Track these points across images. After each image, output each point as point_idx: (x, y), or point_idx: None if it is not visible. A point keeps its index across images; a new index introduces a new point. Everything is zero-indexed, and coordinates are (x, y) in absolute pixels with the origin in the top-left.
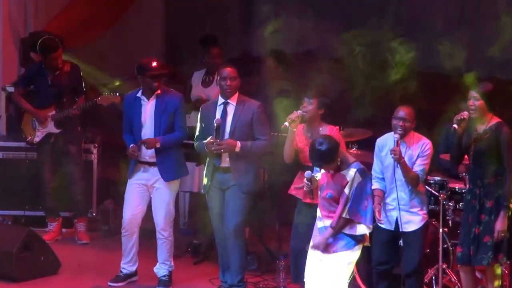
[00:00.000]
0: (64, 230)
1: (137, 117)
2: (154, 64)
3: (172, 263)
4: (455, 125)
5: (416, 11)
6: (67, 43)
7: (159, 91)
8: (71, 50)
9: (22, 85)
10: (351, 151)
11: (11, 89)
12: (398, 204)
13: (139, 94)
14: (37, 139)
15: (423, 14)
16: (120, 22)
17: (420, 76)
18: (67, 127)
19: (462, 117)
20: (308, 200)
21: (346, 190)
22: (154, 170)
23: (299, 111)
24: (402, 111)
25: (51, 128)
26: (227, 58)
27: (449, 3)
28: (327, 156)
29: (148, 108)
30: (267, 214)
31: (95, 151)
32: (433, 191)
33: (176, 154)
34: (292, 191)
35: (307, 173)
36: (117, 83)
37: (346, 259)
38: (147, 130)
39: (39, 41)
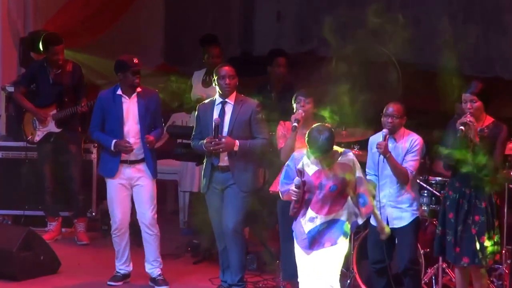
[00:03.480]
0: (63, 229)
1: (118, 114)
2: (135, 60)
3: (161, 259)
4: (462, 127)
5: None
6: (66, 43)
7: (139, 89)
8: (71, 49)
9: (24, 84)
10: (353, 151)
11: (10, 88)
12: (388, 201)
13: (119, 92)
14: (37, 138)
15: None
16: (120, 21)
17: (424, 75)
18: (67, 127)
19: (467, 120)
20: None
21: (358, 173)
22: (138, 167)
23: (300, 111)
24: (390, 108)
25: (52, 127)
26: (227, 57)
27: None
28: (328, 143)
29: (130, 106)
30: (267, 214)
31: (94, 151)
32: (434, 191)
33: (155, 150)
34: (274, 188)
35: (297, 180)
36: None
37: (343, 250)
38: (131, 128)
39: (43, 34)
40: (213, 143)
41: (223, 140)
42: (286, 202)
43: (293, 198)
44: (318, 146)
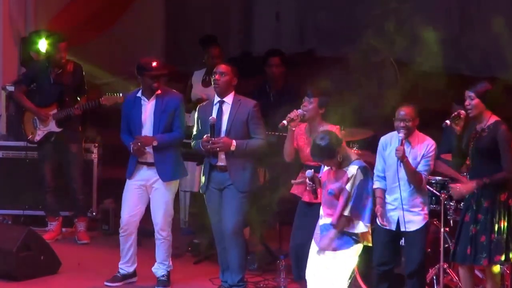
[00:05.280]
0: (64, 229)
1: (137, 116)
2: (154, 64)
3: (171, 263)
4: (447, 121)
5: None
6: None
7: (159, 91)
8: (72, 49)
9: (25, 83)
10: (352, 150)
11: (11, 88)
12: (401, 204)
13: (139, 94)
14: (37, 138)
15: None
16: (120, 21)
17: (423, 76)
18: (68, 127)
19: (458, 115)
20: (306, 199)
21: (348, 187)
22: (153, 170)
23: (299, 110)
24: (402, 111)
25: (52, 127)
26: (227, 58)
27: None
28: (327, 151)
29: (148, 108)
30: (267, 214)
31: (95, 150)
32: (434, 191)
33: (174, 154)
34: (294, 190)
35: (308, 172)
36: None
37: (345, 258)
38: (147, 130)
39: (47, 33)
40: (210, 142)
41: (221, 140)
42: (304, 202)
43: (307, 188)
44: (313, 151)
